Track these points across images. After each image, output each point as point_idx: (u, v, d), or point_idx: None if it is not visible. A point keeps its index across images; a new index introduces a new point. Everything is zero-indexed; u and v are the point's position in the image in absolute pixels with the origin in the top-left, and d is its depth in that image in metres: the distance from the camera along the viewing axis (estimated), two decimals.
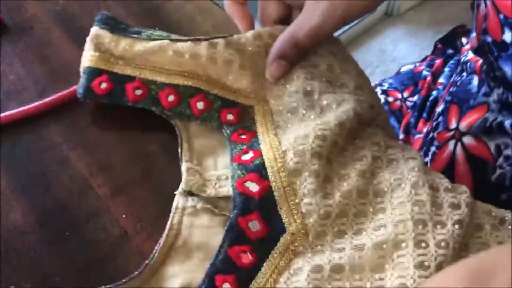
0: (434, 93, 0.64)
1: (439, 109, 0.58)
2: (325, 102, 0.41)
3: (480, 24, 0.48)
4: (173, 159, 0.44)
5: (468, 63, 0.55)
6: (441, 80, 0.66)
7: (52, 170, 0.43)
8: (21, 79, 0.49)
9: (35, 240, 0.40)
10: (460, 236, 0.35)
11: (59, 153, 0.44)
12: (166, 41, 0.44)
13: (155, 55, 0.44)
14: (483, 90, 0.53)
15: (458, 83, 0.57)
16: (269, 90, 0.44)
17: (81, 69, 0.46)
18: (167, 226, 0.39)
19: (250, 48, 0.44)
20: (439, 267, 0.33)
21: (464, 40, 0.68)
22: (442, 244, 0.34)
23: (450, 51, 0.70)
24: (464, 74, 0.57)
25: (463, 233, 0.35)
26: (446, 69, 0.67)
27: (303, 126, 0.40)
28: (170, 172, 0.43)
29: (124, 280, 0.36)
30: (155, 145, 0.45)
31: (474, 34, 0.53)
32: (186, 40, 0.44)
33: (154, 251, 0.38)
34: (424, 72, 0.68)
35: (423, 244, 0.34)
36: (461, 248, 0.35)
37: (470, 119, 0.52)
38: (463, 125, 0.53)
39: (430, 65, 0.69)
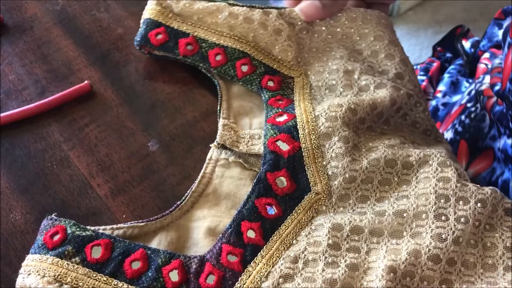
0: (434, 102, 0.62)
1: (447, 134, 0.57)
2: (363, 82, 0.43)
3: (510, 68, 0.46)
4: (173, 159, 0.44)
5: (482, 97, 0.53)
6: (441, 87, 0.64)
7: (52, 169, 0.43)
8: (21, 79, 0.49)
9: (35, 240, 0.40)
10: (482, 214, 0.36)
11: (59, 153, 0.44)
12: (223, 3, 0.47)
13: (211, 16, 0.47)
14: (492, 132, 0.51)
15: (473, 115, 0.55)
16: (311, 66, 0.46)
17: (141, 21, 0.48)
18: (200, 174, 0.41)
19: (299, 23, 0.47)
20: (456, 242, 0.35)
21: (464, 42, 0.66)
22: (462, 219, 0.36)
23: (449, 54, 0.69)
24: (479, 106, 0.54)
25: (487, 212, 0.36)
26: (446, 75, 0.64)
27: (337, 99, 0.42)
28: (170, 172, 0.43)
29: (156, 217, 0.38)
30: (155, 145, 0.45)
31: (496, 60, 0.50)
32: (242, 5, 0.47)
33: (186, 194, 0.40)
34: (418, 77, 0.66)
35: (443, 217, 0.36)
36: (485, 228, 0.36)
37: (478, 167, 0.51)
38: (470, 172, 0.52)
39: (426, 69, 0.68)
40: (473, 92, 0.56)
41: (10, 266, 0.39)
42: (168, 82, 0.48)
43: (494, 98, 0.50)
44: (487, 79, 0.53)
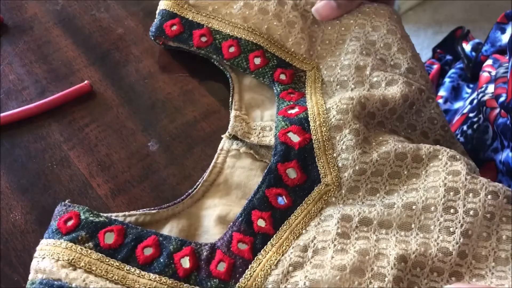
0: None
1: None
2: (375, 79, 0.43)
3: None
4: (173, 159, 0.44)
5: (484, 108, 0.52)
6: (441, 93, 0.63)
7: (52, 169, 0.43)
8: (21, 79, 0.49)
9: (35, 240, 0.40)
10: (494, 206, 0.36)
11: (59, 153, 0.44)
12: None
13: (225, 6, 0.47)
14: (495, 144, 0.50)
15: (475, 126, 0.54)
16: (323, 59, 0.46)
17: (157, 12, 0.49)
18: (211, 164, 0.41)
19: (312, 17, 0.48)
20: (465, 235, 0.35)
21: (464, 45, 0.66)
22: (471, 212, 0.35)
23: (449, 57, 0.68)
24: (481, 117, 0.53)
25: (501, 204, 0.36)
26: (447, 80, 0.64)
27: (348, 92, 0.42)
28: (170, 172, 0.43)
29: (167, 205, 0.39)
30: (155, 145, 0.45)
31: (500, 69, 0.48)
32: None
33: (198, 183, 0.40)
34: None
35: (451, 210, 0.36)
36: (501, 220, 0.36)
37: None
38: None
39: None
40: (475, 101, 0.55)
41: (10, 266, 0.39)
42: (168, 82, 0.48)
43: (498, 110, 0.49)
44: (491, 88, 0.52)
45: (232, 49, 0.45)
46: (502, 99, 0.48)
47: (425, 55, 0.75)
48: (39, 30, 0.52)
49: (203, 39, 0.46)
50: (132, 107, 0.47)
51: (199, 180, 0.40)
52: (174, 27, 0.47)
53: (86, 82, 0.47)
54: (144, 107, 0.47)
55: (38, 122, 0.46)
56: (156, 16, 0.48)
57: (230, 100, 0.45)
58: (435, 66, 0.67)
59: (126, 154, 0.44)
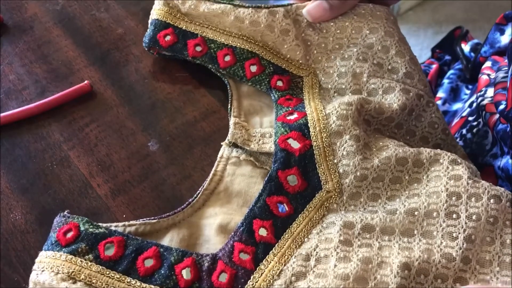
0: None
1: None
2: (372, 86, 0.43)
3: None
4: (173, 159, 0.44)
5: (484, 113, 0.51)
6: (440, 94, 0.62)
7: (52, 169, 0.43)
8: (21, 79, 0.49)
9: (35, 240, 0.40)
10: (497, 211, 0.35)
11: (59, 153, 0.44)
12: (229, 6, 0.47)
13: (217, 18, 0.47)
14: (494, 150, 0.50)
15: (475, 130, 0.53)
16: (319, 63, 0.46)
17: (149, 21, 0.48)
18: (212, 172, 0.41)
19: (305, 21, 0.47)
20: (468, 240, 0.35)
21: (463, 45, 0.65)
22: (474, 217, 0.35)
23: (448, 57, 0.68)
24: (481, 121, 0.52)
25: (504, 208, 0.36)
26: (446, 81, 0.63)
27: (347, 97, 0.42)
28: (170, 172, 0.43)
29: (167, 214, 0.38)
30: (155, 145, 0.45)
31: (500, 73, 0.48)
32: (248, 7, 0.47)
33: (198, 192, 0.40)
34: None
35: (454, 216, 0.36)
36: (505, 224, 0.36)
37: None
38: None
39: (424, 72, 0.66)
40: (474, 104, 0.55)
41: (10, 266, 0.39)
42: (168, 82, 0.48)
43: (497, 115, 0.48)
44: (490, 92, 0.51)
45: (227, 58, 0.45)
46: (502, 107, 0.47)
47: (425, 55, 0.75)
48: (39, 30, 0.52)
49: (198, 48, 0.46)
50: (132, 107, 0.47)
51: (199, 189, 0.40)
52: (168, 38, 0.46)
53: (86, 82, 0.47)
54: (144, 107, 0.47)
55: (38, 122, 0.46)
56: (149, 26, 0.48)
57: (229, 107, 0.45)
58: (434, 66, 0.67)
59: (126, 154, 0.44)
